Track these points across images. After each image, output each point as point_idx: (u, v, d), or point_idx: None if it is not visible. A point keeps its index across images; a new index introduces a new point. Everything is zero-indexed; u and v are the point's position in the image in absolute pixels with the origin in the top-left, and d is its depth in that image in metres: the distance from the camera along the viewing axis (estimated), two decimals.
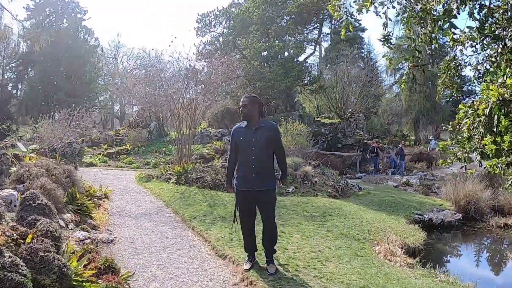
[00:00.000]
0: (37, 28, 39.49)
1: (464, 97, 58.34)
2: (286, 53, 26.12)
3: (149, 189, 12.06)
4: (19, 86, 43.73)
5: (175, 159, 14.96)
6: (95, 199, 9.50)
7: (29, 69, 41.31)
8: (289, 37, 28.17)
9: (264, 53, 24.47)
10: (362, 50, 50.73)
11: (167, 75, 15.15)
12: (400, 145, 25.16)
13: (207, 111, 16.47)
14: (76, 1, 44.27)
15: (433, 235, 11.35)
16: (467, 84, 57.75)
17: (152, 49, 15.70)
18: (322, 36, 35.56)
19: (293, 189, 11.56)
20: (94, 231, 7.25)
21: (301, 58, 28.85)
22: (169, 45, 15.27)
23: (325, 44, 52.33)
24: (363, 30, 56.51)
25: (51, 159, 9.19)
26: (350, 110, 27.55)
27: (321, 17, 30.24)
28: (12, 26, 35.72)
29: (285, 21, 29.13)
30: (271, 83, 21.40)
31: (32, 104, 38.42)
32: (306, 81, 25.19)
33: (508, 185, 5.42)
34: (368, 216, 10.38)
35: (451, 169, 25.59)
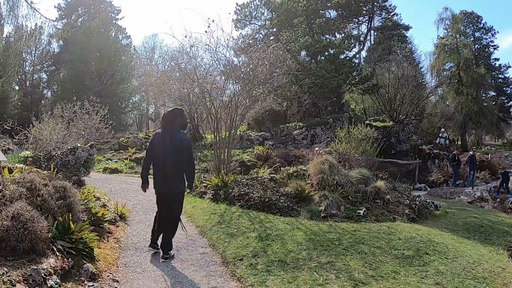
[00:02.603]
0: (69, 28, 37.98)
1: (509, 100, 54.27)
2: (332, 50, 23.35)
3: None
4: (53, 87, 42.34)
5: (211, 167, 12.44)
6: (106, 224, 7.06)
7: (61, 69, 39.80)
8: (330, 35, 25.30)
9: (311, 49, 21.74)
10: (407, 50, 47.57)
11: (202, 68, 12.72)
12: (471, 153, 21.52)
13: (247, 112, 13.87)
14: (109, 1, 42.70)
15: None
16: (511, 86, 53.80)
17: (186, 36, 13.02)
18: (371, 31, 32.13)
19: (364, 211, 8.82)
20: (91, 283, 4.78)
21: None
22: (205, 31, 12.86)
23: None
24: (407, 28, 52.95)
25: (46, 171, 6.78)
26: (404, 112, 24.46)
27: (371, 8, 27.22)
28: (39, 23, 34.04)
29: (330, 14, 26.36)
30: (320, 81, 18.71)
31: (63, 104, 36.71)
32: (357, 80, 22.27)
33: None
34: (470, 251, 7.60)
35: None
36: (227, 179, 10.01)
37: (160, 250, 6.04)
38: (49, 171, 6.67)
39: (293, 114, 22.44)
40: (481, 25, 52.74)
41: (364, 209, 8.91)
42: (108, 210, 8.31)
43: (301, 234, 6.99)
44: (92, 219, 6.81)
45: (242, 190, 9.23)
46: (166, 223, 6.00)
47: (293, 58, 20.93)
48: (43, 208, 5.25)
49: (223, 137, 12.22)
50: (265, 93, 13.41)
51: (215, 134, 11.74)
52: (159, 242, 6.12)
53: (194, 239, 7.04)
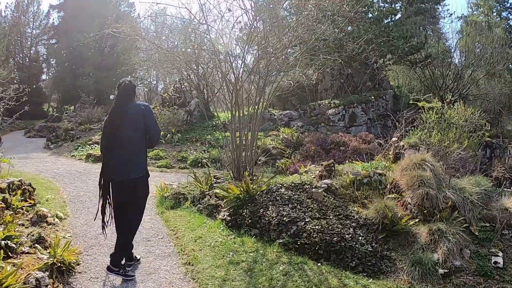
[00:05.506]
0: None
1: None
2: (375, 12, 19.23)
3: (174, 236, 5.56)
4: (50, 60, 38.48)
5: (227, 161, 8.45)
6: None
7: (60, 42, 35.85)
8: None
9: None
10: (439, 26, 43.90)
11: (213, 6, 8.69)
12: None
13: (269, 85, 9.78)
14: None
15: None
16: None
17: None
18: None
19: (503, 258, 4.84)
20: None
21: None
22: None
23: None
24: (438, 2, 48.62)
25: None
26: (457, 91, 20.40)
27: None
28: None
29: None
30: (367, 46, 14.62)
31: (60, 79, 33.00)
32: (406, 49, 18.00)
33: None
34: None
35: None
36: (254, 187, 6.05)
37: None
38: None
39: (325, 89, 18.30)
40: (509, 5, 49.48)
41: (501, 253, 4.94)
42: (41, 250, 4.49)
43: None
44: None
45: (284, 213, 5.25)
46: None
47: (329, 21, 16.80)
48: None
49: (242, 115, 8.24)
50: (306, 53, 9.45)
51: (234, 111, 7.76)
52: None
53: None
